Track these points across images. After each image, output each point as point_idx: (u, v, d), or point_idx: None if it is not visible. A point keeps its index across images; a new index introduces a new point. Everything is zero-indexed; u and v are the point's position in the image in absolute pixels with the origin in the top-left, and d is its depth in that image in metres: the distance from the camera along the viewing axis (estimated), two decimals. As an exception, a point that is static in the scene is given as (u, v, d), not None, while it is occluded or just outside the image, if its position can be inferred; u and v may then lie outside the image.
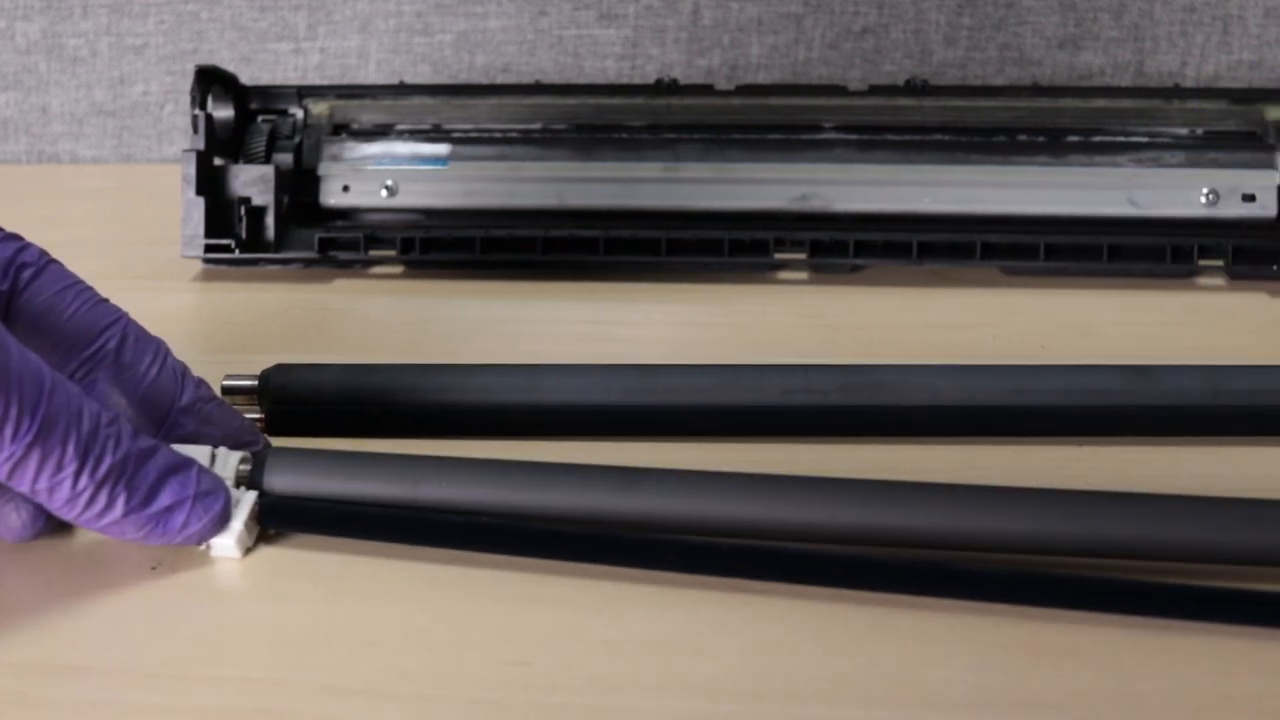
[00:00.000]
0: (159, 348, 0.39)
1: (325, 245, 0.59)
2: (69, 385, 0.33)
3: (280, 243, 0.59)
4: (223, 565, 0.37)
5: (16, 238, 0.38)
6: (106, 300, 0.39)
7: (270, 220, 0.59)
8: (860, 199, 0.58)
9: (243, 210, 0.58)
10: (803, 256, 0.57)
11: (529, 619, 0.34)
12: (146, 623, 0.34)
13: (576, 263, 0.58)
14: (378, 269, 0.59)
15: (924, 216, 0.58)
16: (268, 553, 0.37)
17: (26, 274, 0.37)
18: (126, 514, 0.34)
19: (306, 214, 0.60)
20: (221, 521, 0.36)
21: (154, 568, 0.37)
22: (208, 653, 0.33)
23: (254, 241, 0.58)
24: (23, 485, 0.33)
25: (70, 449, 0.33)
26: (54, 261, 0.38)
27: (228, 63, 0.74)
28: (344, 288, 0.58)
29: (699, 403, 0.43)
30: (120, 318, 0.38)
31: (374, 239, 0.59)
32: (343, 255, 0.59)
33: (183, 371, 0.39)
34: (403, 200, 0.60)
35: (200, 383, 0.40)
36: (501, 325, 0.53)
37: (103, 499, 0.34)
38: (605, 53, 0.73)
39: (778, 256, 0.57)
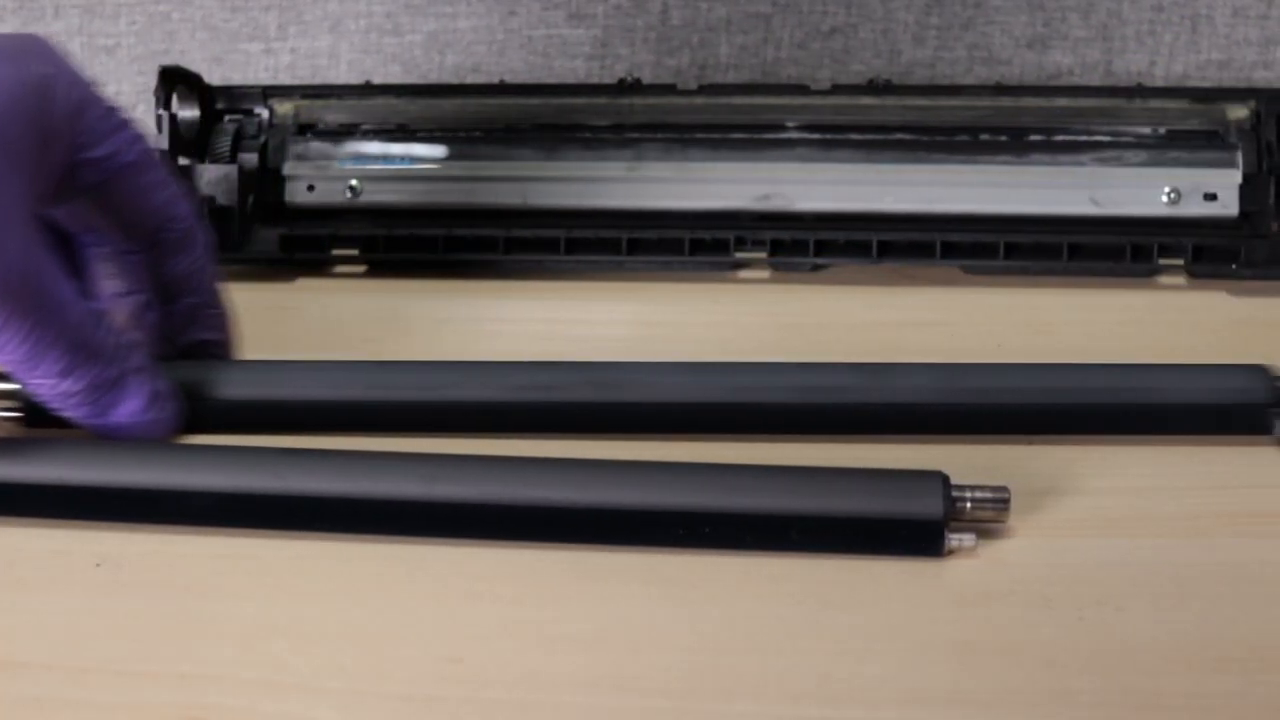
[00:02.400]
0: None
1: (288, 244, 0.59)
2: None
3: (244, 242, 0.59)
4: (167, 562, 0.37)
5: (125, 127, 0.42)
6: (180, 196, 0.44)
7: (234, 220, 0.59)
8: (822, 198, 0.58)
9: (206, 210, 0.58)
10: (763, 255, 0.57)
11: (466, 615, 0.34)
12: (86, 619, 0.34)
13: (538, 262, 0.58)
14: (341, 268, 0.59)
15: (886, 215, 0.58)
16: (209, 548, 0.37)
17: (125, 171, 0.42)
18: (82, 419, 0.40)
19: (272, 213, 0.60)
20: (170, 434, 0.42)
21: (98, 565, 0.37)
22: (145, 649, 0.33)
23: (218, 240, 0.58)
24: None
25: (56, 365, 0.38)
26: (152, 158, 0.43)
27: (199, 63, 0.74)
28: (306, 286, 0.58)
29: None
30: (189, 220, 0.44)
31: (337, 238, 0.59)
32: (306, 255, 0.59)
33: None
34: (367, 200, 0.60)
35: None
36: (462, 324, 0.54)
37: (64, 405, 0.40)
38: (575, 53, 0.73)
39: (738, 255, 0.57)
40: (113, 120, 0.42)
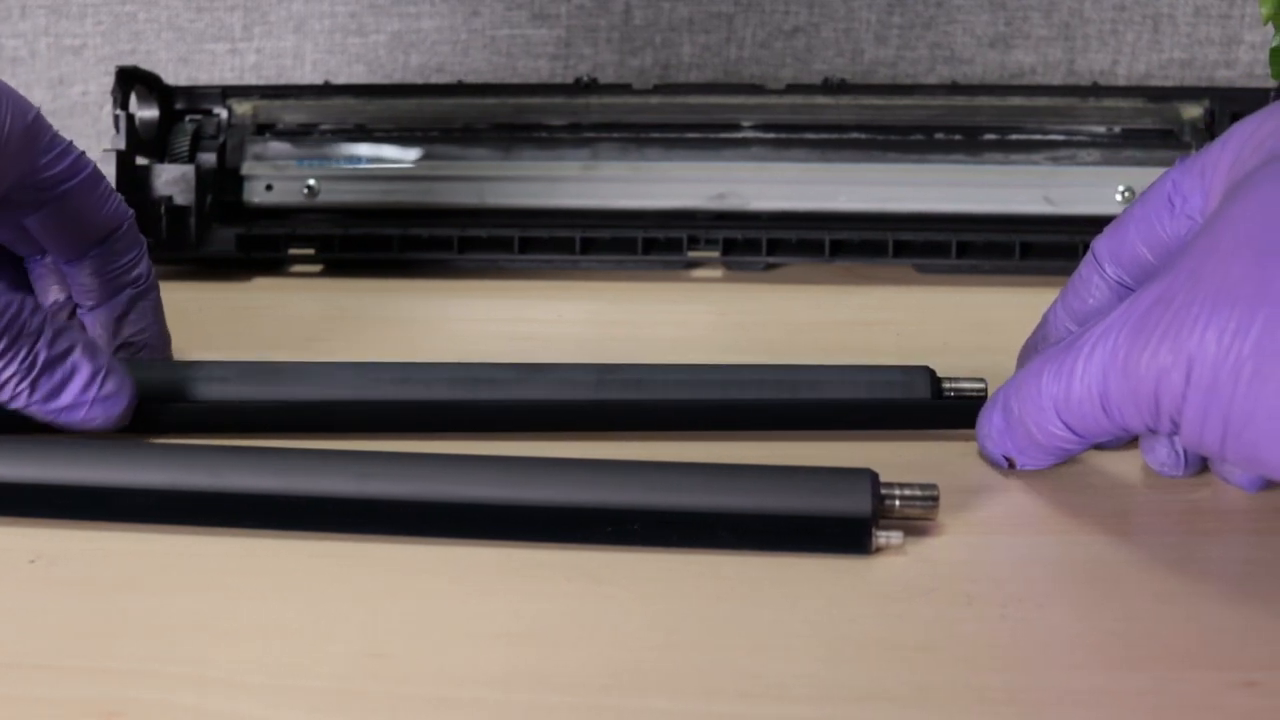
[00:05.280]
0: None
1: (245, 244, 0.59)
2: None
3: (201, 241, 0.59)
4: (100, 559, 0.37)
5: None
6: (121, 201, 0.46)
7: (192, 219, 0.59)
8: (777, 197, 0.59)
9: (163, 209, 0.58)
10: (716, 255, 0.57)
11: (391, 611, 0.34)
12: (16, 615, 0.34)
13: (493, 261, 0.58)
14: (297, 267, 0.60)
15: (841, 214, 0.59)
16: (143, 545, 0.37)
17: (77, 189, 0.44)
18: (27, 407, 0.40)
19: (229, 213, 0.61)
20: (122, 420, 0.41)
21: (32, 561, 0.37)
22: (70, 644, 0.33)
23: (175, 240, 0.59)
24: None
25: None
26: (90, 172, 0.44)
27: (165, 63, 0.75)
28: (263, 286, 0.58)
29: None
30: (132, 221, 0.46)
31: (294, 238, 0.59)
32: (263, 254, 0.59)
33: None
34: (325, 199, 0.61)
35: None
36: (417, 323, 0.54)
37: (6, 393, 0.39)
38: (538, 52, 0.73)
39: (692, 255, 0.57)
40: (61, 143, 0.43)
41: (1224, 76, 0.73)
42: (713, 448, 0.41)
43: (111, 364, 0.41)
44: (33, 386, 0.40)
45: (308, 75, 0.75)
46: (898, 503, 0.37)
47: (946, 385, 0.44)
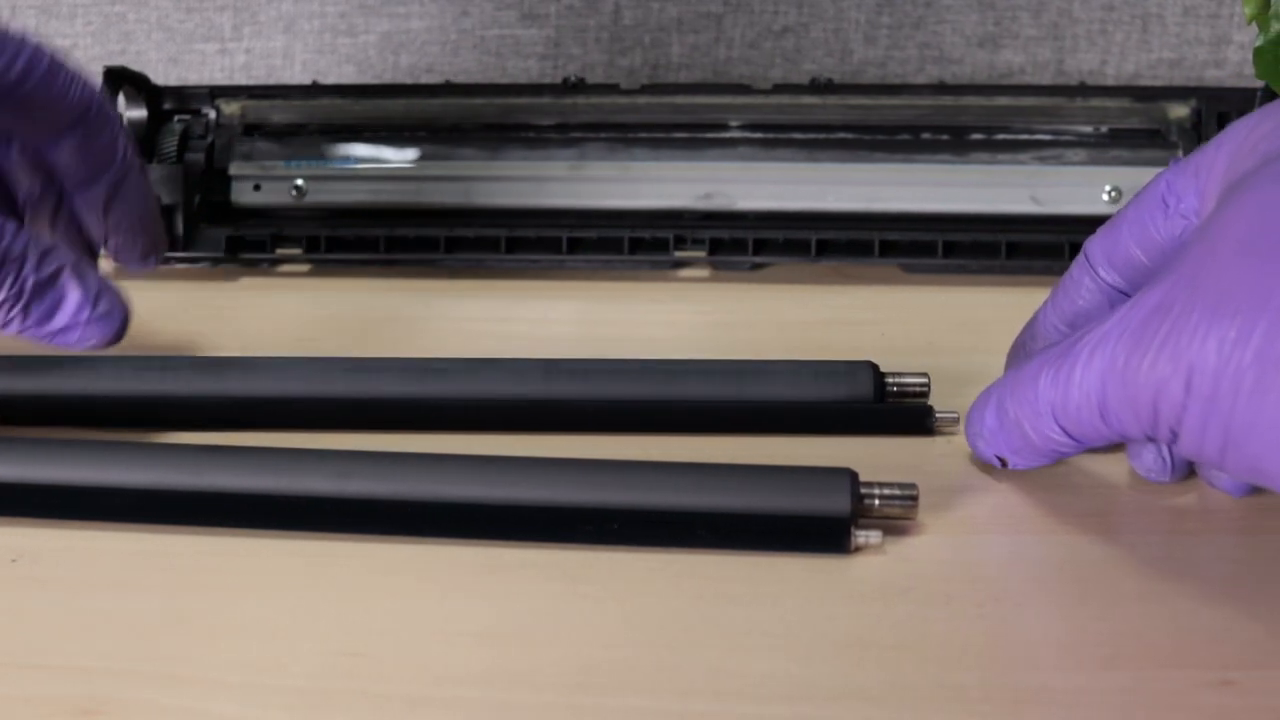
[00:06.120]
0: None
1: (233, 244, 0.59)
2: None
3: (189, 242, 0.59)
4: (81, 558, 0.37)
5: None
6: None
7: (179, 219, 0.59)
8: (764, 197, 0.59)
9: (152, 209, 0.58)
10: (702, 254, 0.57)
11: (369, 610, 0.34)
12: (-5, 615, 0.35)
13: (479, 261, 0.58)
14: (284, 267, 0.60)
15: (828, 214, 0.59)
16: (124, 544, 0.37)
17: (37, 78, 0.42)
18: (21, 331, 0.40)
19: (217, 213, 0.60)
20: (117, 338, 0.41)
21: (14, 560, 0.37)
22: (48, 643, 0.33)
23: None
24: None
25: None
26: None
27: (155, 64, 0.75)
28: (250, 285, 0.58)
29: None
30: (103, 102, 0.45)
31: (281, 238, 0.59)
32: (250, 254, 0.59)
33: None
34: (312, 199, 0.60)
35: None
36: (401, 323, 0.54)
37: (6, 326, 0.40)
38: (527, 53, 0.74)
39: (678, 254, 0.57)
40: (8, 46, 0.42)
41: (1213, 76, 0.73)
42: (687, 443, 0.41)
43: (103, 284, 0.41)
44: (25, 312, 0.40)
45: (297, 75, 0.75)
46: (877, 502, 0.37)
47: (890, 380, 0.44)
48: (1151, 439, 0.34)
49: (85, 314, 0.40)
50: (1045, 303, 0.42)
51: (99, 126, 0.45)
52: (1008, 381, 0.37)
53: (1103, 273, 0.40)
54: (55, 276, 0.40)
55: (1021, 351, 0.43)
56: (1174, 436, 0.32)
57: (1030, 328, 0.43)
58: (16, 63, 0.42)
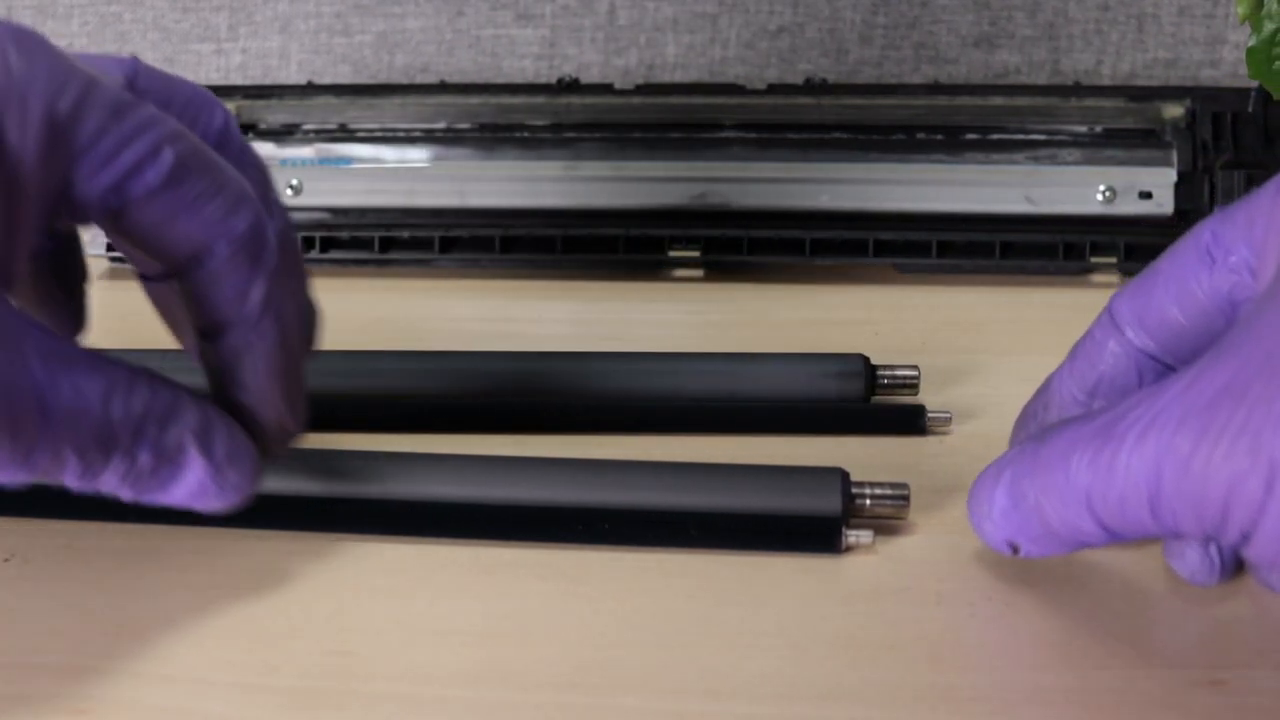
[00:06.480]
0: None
1: (227, 244, 0.59)
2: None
3: (183, 242, 0.59)
4: (74, 557, 0.37)
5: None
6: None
7: (174, 219, 0.59)
8: (758, 196, 0.59)
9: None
10: (696, 254, 0.57)
11: (359, 609, 0.34)
12: (-13, 614, 0.35)
13: (473, 261, 0.58)
14: (279, 267, 0.60)
15: (822, 213, 0.59)
16: (114, 542, 0.37)
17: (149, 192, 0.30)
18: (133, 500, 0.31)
19: (212, 213, 0.60)
20: (241, 505, 0.33)
21: (6, 559, 0.37)
22: (40, 642, 0.33)
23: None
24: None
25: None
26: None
27: (151, 63, 0.74)
28: (244, 286, 0.58)
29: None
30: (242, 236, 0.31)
31: (276, 237, 0.59)
32: (245, 254, 0.59)
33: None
34: (307, 199, 0.61)
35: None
36: (395, 323, 0.54)
37: (101, 488, 0.31)
38: (523, 53, 0.74)
39: (672, 254, 0.57)
40: (126, 123, 0.29)
41: (1209, 76, 0.73)
42: (679, 443, 0.41)
43: (233, 446, 0.32)
44: (135, 489, 0.31)
45: (293, 75, 0.75)
46: (868, 502, 0.37)
47: (881, 373, 0.44)
48: (1211, 539, 0.29)
49: (208, 491, 0.32)
50: (1061, 367, 0.37)
51: (227, 271, 0.31)
52: (1025, 458, 0.32)
53: (1131, 334, 0.35)
54: (176, 450, 0.31)
55: (1032, 421, 0.38)
56: (1244, 539, 0.27)
57: (1042, 394, 0.38)
58: (123, 159, 0.29)
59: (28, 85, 0.28)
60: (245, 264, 0.31)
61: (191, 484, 0.31)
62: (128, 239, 0.31)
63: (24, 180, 0.28)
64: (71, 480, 0.30)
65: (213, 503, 0.32)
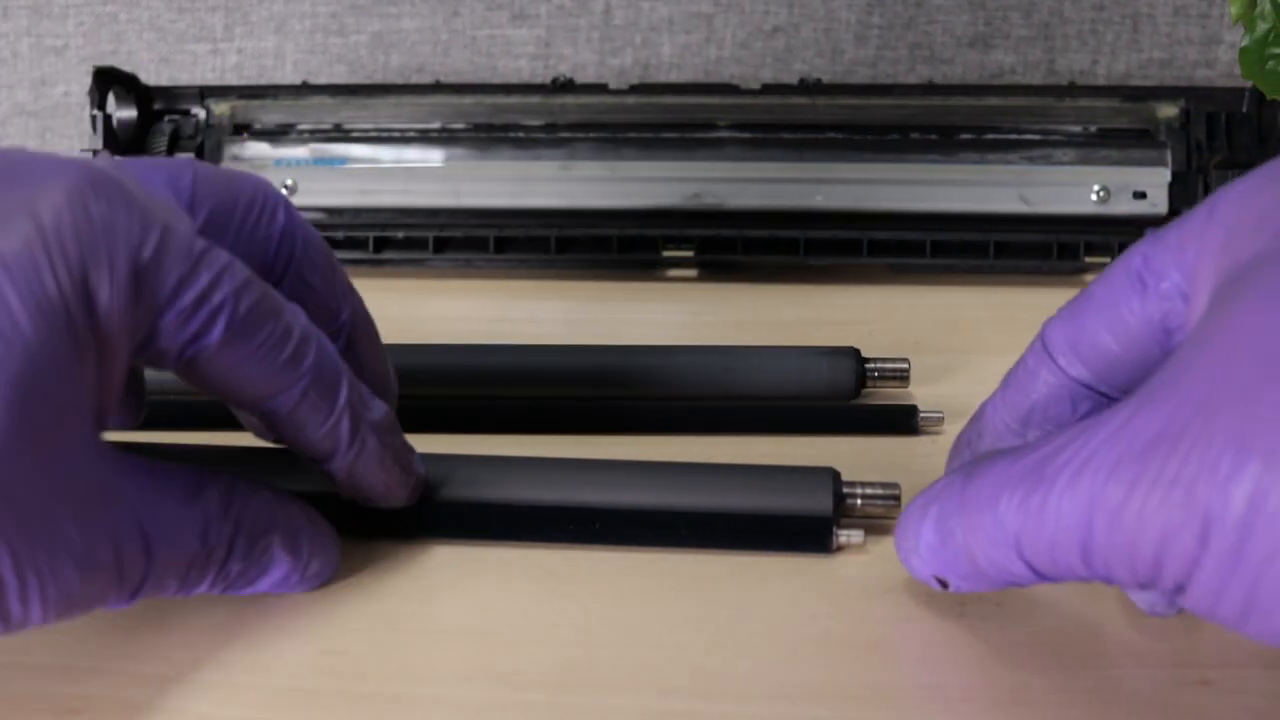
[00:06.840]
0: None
1: (222, 244, 0.59)
2: None
3: (178, 242, 0.59)
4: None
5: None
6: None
7: (169, 219, 0.59)
8: (753, 196, 0.59)
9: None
10: (690, 254, 0.57)
11: (349, 609, 0.34)
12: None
13: (467, 260, 0.58)
14: (274, 267, 0.60)
15: (817, 213, 0.59)
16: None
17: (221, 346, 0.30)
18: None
19: (207, 213, 0.60)
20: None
21: None
22: (31, 642, 0.33)
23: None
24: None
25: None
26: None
27: (146, 64, 0.75)
28: (239, 286, 0.58)
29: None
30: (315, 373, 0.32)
31: (270, 238, 0.59)
32: (239, 254, 0.59)
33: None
34: (302, 199, 0.61)
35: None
36: (389, 323, 0.54)
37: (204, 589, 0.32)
38: (518, 53, 0.74)
39: (666, 254, 0.58)
40: (203, 276, 0.29)
41: (1204, 76, 0.73)
42: (671, 443, 0.41)
43: (316, 540, 0.34)
44: (224, 590, 0.33)
45: (289, 75, 0.75)
46: (859, 501, 0.37)
47: (871, 366, 0.44)
48: (1145, 588, 0.27)
49: (291, 583, 0.34)
50: (994, 394, 0.36)
51: (309, 409, 0.32)
52: (952, 495, 0.30)
53: (1064, 362, 0.33)
54: (264, 554, 0.33)
55: (966, 450, 0.37)
56: (1179, 591, 0.25)
57: (976, 422, 0.36)
58: (202, 310, 0.29)
59: (111, 236, 0.28)
60: (321, 401, 0.32)
61: (276, 579, 0.33)
62: (199, 384, 0.31)
63: (115, 340, 0.28)
64: (168, 595, 0.31)
65: (295, 591, 0.34)
